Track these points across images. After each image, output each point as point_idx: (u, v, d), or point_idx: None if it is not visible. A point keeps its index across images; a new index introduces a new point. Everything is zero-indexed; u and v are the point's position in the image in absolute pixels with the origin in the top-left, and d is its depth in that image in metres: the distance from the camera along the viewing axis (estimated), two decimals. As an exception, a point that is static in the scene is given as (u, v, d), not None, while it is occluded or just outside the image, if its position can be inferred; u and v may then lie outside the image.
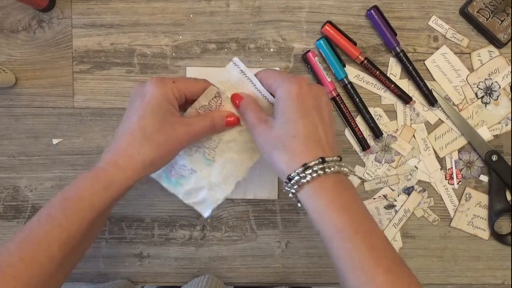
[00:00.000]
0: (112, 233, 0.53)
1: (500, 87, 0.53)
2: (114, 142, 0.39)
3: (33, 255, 0.34)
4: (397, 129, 0.53)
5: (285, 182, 0.37)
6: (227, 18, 0.52)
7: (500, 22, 0.51)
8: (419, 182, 0.53)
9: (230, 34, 0.52)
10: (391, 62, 0.53)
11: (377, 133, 0.52)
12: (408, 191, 0.53)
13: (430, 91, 0.52)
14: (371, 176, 0.53)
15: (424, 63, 0.53)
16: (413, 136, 0.53)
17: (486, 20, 0.51)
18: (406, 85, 0.53)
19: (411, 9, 0.52)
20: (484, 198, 0.54)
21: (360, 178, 0.53)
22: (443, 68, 0.53)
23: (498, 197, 0.53)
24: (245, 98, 0.43)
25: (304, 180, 0.35)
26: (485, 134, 0.53)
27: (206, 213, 0.46)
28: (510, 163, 0.53)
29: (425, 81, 0.52)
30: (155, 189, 0.52)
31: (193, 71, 0.52)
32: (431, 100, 0.52)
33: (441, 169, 0.53)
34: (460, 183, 0.54)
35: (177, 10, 0.51)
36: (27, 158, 0.52)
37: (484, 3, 0.51)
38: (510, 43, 0.52)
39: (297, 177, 0.36)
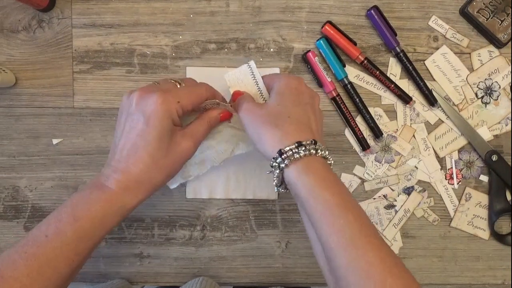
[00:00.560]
0: (112, 233, 0.53)
1: (500, 87, 0.53)
2: (122, 162, 0.38)
3: (40, 272, 0.34)
4: (397, 129, 0.53)
5: (274, 157, 0.37)
6: (227, 18, 0.52)
7: (500, 22, 0.51)
8: (419, 182, 0.53)
9: (230, 34, 0.52)
10: (391, 62, 0.53)
11: (377, 133, 0.52)
12: (408, 191, 0.53)
13: (430, 91, 0.52)
14: (371, 176, 0.53)
15: (424, 63, 0.53)
16: (413, 136, 0.53)
17: (486, 20, 0.51)
18: (406, 85, 0.53)
19: (411, 9, 0.52)
20: (484, 198, 0.54)
21: (360, 178, 0.53)
22: (443, 68, 0.53)
23: (498, 197, 0.53)
24: (244, 93, 0.44)
25: (297, 156, 0.36)
26: (485, 134, 0.53)
27: (172, 186, 0.48)
28: (510, 163, 0.53)
29: (425, 81, 0.52)
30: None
31: (193, 71, 0.52)
32: (431, 100, 0.52)
33: (441, 169, 0.53)
34: (460, 183, 0.54)
35: (177, 10, 0.51)
36: (27, 158, 0.52)
37: (484, 3, 0.51)
38: (510, 43, 0.52)
39: (290, 152, 0.36)
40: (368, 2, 0.52)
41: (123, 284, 0.52)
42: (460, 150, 0.53)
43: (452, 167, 0.53)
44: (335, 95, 0.51)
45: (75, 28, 0.51)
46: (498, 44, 0.52)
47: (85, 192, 0.38)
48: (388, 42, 0.51)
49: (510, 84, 0.53)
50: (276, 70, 0.52)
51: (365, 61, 0.51)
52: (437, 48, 0.52)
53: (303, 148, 0.36)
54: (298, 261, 0.54)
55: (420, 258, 0.54)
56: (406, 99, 0.52)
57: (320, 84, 0.51)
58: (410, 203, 0.53)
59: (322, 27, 0.51)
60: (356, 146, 0.53)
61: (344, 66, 0.51)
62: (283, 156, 0.36)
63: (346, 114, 0.51)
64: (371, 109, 0.52)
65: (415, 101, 0.53)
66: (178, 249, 0.53)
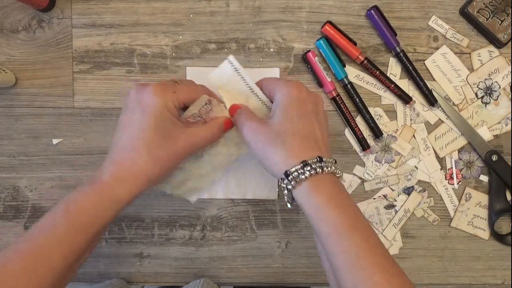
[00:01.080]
0: (112, 233, 0.53)
1: (500, 87, 0.53)
2: (116, 154, 0.39)
3: (34, 267, 0.34)
4: (397, 129, 0.53)
5: (281, 178, 0.37)
6: (227, 18, 0.52)
7: (500, 22, 0.51)
8: (419, 182, 0.53)
9: (230, 34, 0.52)
10: (391, 62, 0.53)
11: (377, 133, 0.52)
12: (408, 191, 0.53)
13: (430, 91, 0.52)
14: (371, 176, 0.53)
15: (424, 63, 0.53)
16: (413, 136, 0.53)
17: (486, 20, 0.51)
18: (406, 85, 0.53)
19: (411, 9, 0.52)
20: (484, 198, 0.54)
21: (360, 178, 0.53)
22: (443, 68, 0.53)
23: (498, 197, 0.53)
24: (242, 107, 0.44)
25: (303, 177, 0.36)
26: (485, 134, 0.53)
27: (193, 198, 0.48)
28: (510, 163, 0.53)
29: (425, 81, 0.52)
30: (155, 189, 0.52)
31: (193, 71, 0.52)
32: (431, 100, 0.52)
33: (441, 169, 0.53)
34: (460, 183, 0.54)
35: (177, 10, 0.51)
36: (27, 158, 0.52)
37: (484, 3, 0.51)
38: (510, 43, 0.52)
39: (295, 173, 0.36)
40: (368, 2, 0.52)
41: (121, 284, 0.52)
42: (460, 150, 0.53)
43: (452, 167, 0.53)
44: (335, 95, 0.51)
45: (75, 28, 0.51)
46: (498, 44, 0.52)
47: (80, 187, 0.38)
48: (388, 42, 0.51)
49: (510, 84, 0.53)
50: (276, 70, 0.52)
51: (365, 61, 0.51)
52: (437, 48, 0.52)
53: (309, 168, 0.36)
54: (298, 261, 0.54)
55: (420, 258, 0.54)
56: (406, 99, 0.52)
57: (320, 84, 0.51)
58: (410, 203, 0.53)
59: (322, 27, 0.51)
60: (356, 146, 0.53)
61: (344, 66, 0.51)
62: (289, 178, 0.36)
63: (346, 114, 0.52)
64: (371, 109, 0.52)
65: (415, 101, 0.53)
66: (178, 249, 0.53)
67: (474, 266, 0.54)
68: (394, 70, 0.53)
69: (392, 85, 0.52)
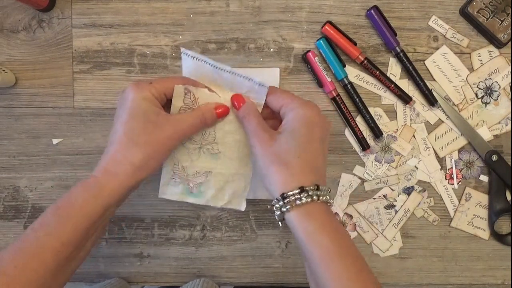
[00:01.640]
0: (112, 233, 0.53)
1: (500, 87, 0.53)
2: (105, 151, 0.41)
3: (26, 262, 0.34)
4: (397, 129, 0.53)
5: (277, 199, 0.38)
6: (227, 18, 0.52)
7: (500, 22, 0.51)
8: (419, 182, 0.53)
9: (230, 34, 0.52)
10: (391, 62, 0.53)
11: (377, 133, 0.52)
12: (408, 191, 0.53)
13: (430, 91, 0.52)
14: (371, 176, 0.53)
15: (424, 63, 0.53)
16: (413, 136, 0.53)
17: (486, 20, 0.51)
18: (406, 85, 0.53)
19: (411, 9, 0.52)
20: (484, 198, 0.54)
21: (360, 178, 0.53)
22: (443, 68, 0.53)
23: (498, 197, 0.53)
24: (248, 102, 0.44)
25: (299, 202, 0.37)
26: (485, 134, 0.53)
27: (241, 207, 0.47)
28: (510, 163, 0.53)
29: (425, 81, 0.52)
30: (155, 189, 0.52)
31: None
32: (431, 100, 0.52)
33: (441, 169, 0.53)
34: (460, 183, 0.54)
35: (177, 10, 0.51)
36: (27, 158, 0.52)
37: (484, 3, 0.51)
38: (510, 43, 0.52)
39: (292, 197, 0.37)
40: (368, 2, 0.52)
41: (120, 284, 0.52)
42: (460, 150, 0.53)
43: (452, 167, 0.53)
44: (335, 95, 0.51)
45: (75, 28, 0.51)
46: (498, 44, 0.52)
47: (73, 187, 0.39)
48: (388, 42, 0.51)
49: (510, 84, 0.53)
50: (276, 70, 0.52)
51: (365, 61, 0.51)
52: (437, 48, 0.52)
53: (306, 195, 0.37)
54: (298, 261, 0.54)
55: (420, 258, 0.54)
56: (406, 99, 0.52)
57: (320, 84, 0.51)
58: (410, 203, 0.53)
59: (322, 27, 0.51)
60: (356, 146, 0.53)
61: (344, 66, 0.51)
62: (285, 201, 0.37)
63: (346, 114, 0.51)
64: (371, 109, 0.52)
65: (415, 101, 0.53)
66: (178, 249, 0.53)
67: (474, 266, 0.54)
68: (394, 70, 0.53)
69: (392, 85, 0.52)
